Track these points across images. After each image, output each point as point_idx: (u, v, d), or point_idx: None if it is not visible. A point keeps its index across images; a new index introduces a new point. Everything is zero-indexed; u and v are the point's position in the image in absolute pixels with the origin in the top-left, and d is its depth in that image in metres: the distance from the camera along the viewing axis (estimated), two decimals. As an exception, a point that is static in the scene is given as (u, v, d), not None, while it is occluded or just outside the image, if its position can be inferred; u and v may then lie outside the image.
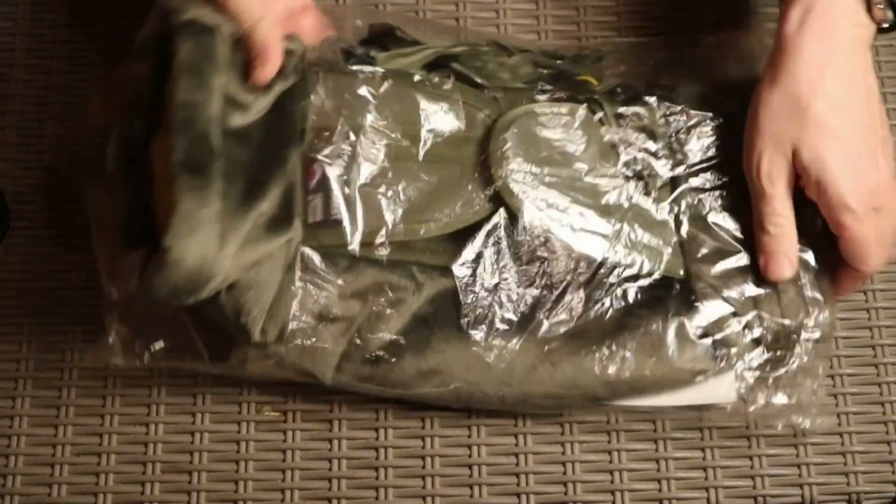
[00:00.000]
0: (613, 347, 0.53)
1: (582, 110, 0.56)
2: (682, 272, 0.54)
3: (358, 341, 0.53)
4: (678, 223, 0.56)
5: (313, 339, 0.52)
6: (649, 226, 0.55)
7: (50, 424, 0.57)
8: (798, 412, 0.54)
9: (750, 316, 0.54)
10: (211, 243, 0.48)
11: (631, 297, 0.54)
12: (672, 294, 0.54)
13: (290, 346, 0.52)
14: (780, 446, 0.57)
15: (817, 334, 0.54)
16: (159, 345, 0.54)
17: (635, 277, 0.54)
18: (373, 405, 0.57)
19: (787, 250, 0.54)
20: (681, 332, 0.54)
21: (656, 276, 0.54)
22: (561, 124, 0.56)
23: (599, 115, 0.57)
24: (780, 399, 0.54)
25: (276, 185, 0.51)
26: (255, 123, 0.52)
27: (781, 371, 0.54)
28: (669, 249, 0.55)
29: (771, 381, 0.54)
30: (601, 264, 0.54)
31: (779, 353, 0.54)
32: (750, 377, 0.54)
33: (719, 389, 0.55)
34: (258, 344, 0.52)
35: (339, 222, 0.53)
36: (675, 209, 0.56)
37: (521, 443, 0.57)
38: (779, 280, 0.54)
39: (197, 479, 0.56)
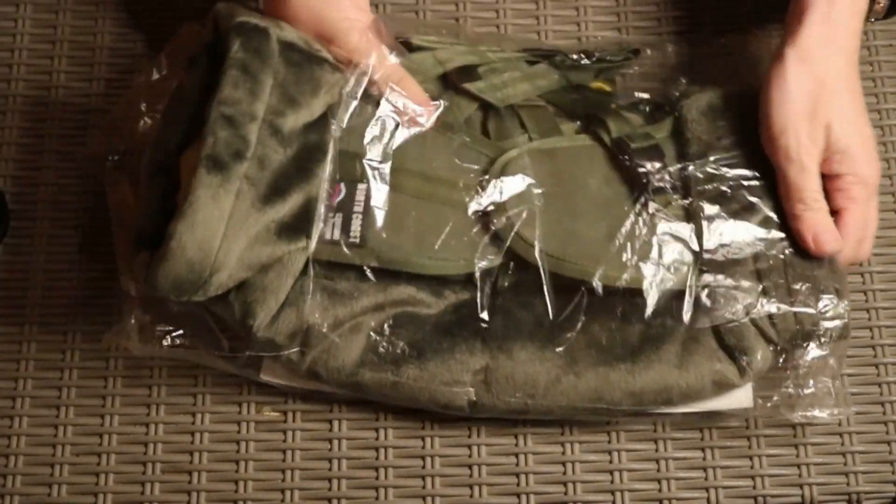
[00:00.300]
0: (638, 358, 0.53)
1: (587, 142, 0.58)
2: (696, 281, 0.54)
3: (371, 354, 0.53)
4: (698, 232, 0.55)
5: (325, 348, 0.52)
6: (666, 242, 0.55)
7: (50, 424, 0.57)
8: (815, 404, 0.54)
9: (764, 313, 0.53)
10: (214, 237, 0.48)
11: (650, 308, 0.54)
12: (685, 302, 0.54)
13: (304, 352, 0.52)
14: (780, 446, 0.57)
15: (835, 324, 0.54)
16: (178, 332, 0.54)
17: (651, 288, 0.54)
18: (373, 405, 0.57)
19: (829, 224, 0.54)
20: (703, 340, 0.54)
21: (673, 286, 0.54)
22: (567, 156, 0.57)
23: (606, 137, 0.57)
24: (797, 392, 0.54)
25: (298, 195, 0.51)
26: (300, 129, 0.52)
27: (799, 363, 0.54)
28: (687, 261, 0.55)
29: (788, 375, 0.55)
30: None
31: (796, 347, 0.54)
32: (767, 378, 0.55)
33: (738, 395, 0.55)
34: (267, 344, 0.52)
35: (356, 244, 0.53)
36: (691, 220, 0.56)
37: (521, 443, 0.57)
38: (828, 253, 0.54)
39: (197, 479, 0.56)
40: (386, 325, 0.53)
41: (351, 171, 0.54)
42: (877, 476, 0.57)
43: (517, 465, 0.56)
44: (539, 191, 0.55)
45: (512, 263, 0.55)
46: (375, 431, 0.57)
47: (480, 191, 0.55)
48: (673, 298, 0.54)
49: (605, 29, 0.65)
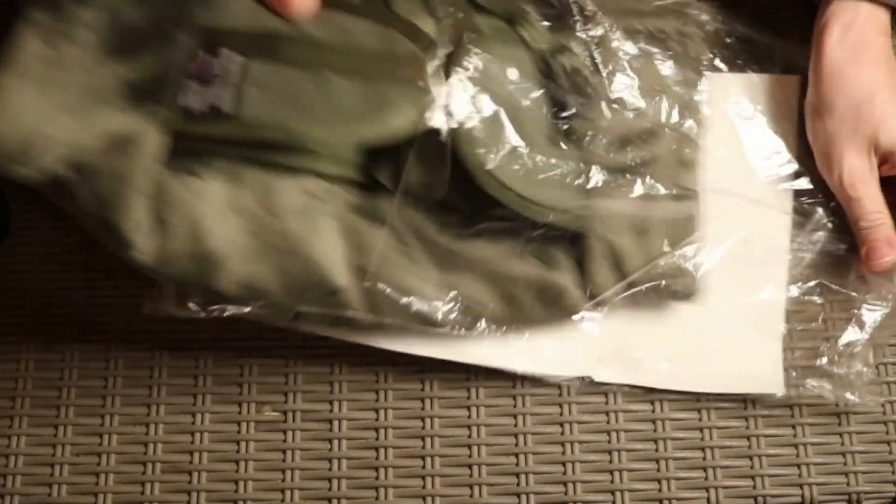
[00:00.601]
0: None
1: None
2: None
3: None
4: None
5: (196, 254, 0.47)
6: None
7: (50, 424, 0.57)
8: (845, 387, 0.55)
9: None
10: (41, 86, 0.43)
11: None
12: None
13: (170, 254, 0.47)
14: (780, 446, 0.57)
15: (880, 310, 0.54)
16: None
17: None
18: (373, 405, 0.57)
19: (887, 236, 0.55)
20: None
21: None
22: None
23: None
24: (831, 371, 0.56)
25: (155, 57, 0.46)
26: None
27: (833, 346, 0.56)
28: None
29: (823, 352, 0.56)
30: None
31: (832, 327, 0.56)
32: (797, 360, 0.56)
33: (765, 377, 0.56)
34: (132, 246, 0.46)
35: (220, 112, 0.47)
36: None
37: (521, 443, 0.57)
38: (881, 270, 0.55)
39: (197, 479, 0.56)
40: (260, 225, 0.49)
41: (221, 40, 0.48)
42: (877, 476, 0.57)
43: (517, 465, 0.56)
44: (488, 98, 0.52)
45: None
46: (375, 431, 0.57)
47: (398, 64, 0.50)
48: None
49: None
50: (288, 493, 0.56)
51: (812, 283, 0.58)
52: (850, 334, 0.56)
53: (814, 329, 0.58)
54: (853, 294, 0.56)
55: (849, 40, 0.56)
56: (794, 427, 0.57)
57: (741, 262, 0.58)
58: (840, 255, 0.58)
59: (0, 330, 0.59)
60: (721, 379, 0.57)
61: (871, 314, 0.57)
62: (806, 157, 0.59)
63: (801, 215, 0.59)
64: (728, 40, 0.62)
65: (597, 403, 0.57)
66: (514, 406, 0.57)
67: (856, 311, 0.55)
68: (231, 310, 0.51)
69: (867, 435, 0.57)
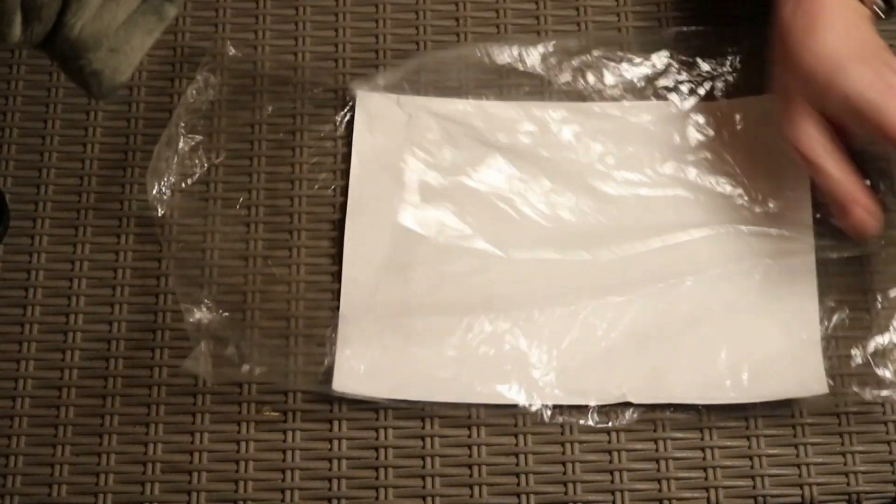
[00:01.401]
0: None
1: None
2: None
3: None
4: None
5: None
6: None
7: (50, 424, 0.57)
8: (883, 386, 0.55)
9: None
10: None
11: None
12: None
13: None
14: (781, 446, 0.57)
15: None
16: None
17: None
18: (373, 405, 0.57)
19: (855, 199, 0.54)
20: None
21: None
22: None
23: None
24: (868, 370, 0.56)
25: None
26: None
27: (871, 343, 0.56)
28: None
29: (858, 355, 0.56)
30: None
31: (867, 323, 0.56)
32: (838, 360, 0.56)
33: (809, 382, 0.56)
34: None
35: None
36: None
37: (521, 443, 0.57)
38: (862, 234, 0.55)
39: (197, 479, 0.56)
40: None
41: None
42: (877, 476, 0.56)
43: (517, 464, 0.56)
44: None
45: None
46: (375, 431, 0.57)
47: None
48: None
49: (605, 29, 0.65)
50: (288, 493, 0.56)
51: (840, 288, 0.58)
52: (884, 336, 0.56)
53: (850, 335, 0.57)
54: (878, 296, 0.57)
55: (801, 10, 0.55)
56: (794, 427, 0.57)
57: (771, 275, 0.58)
58: (862, 258, 0.59)
59: (0, 330, 0.59)
60: (764, 388, 0.56)
61: None
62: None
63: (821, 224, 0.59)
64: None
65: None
66: (515, 406, 0.57)
67: (882, 310, 0.55)
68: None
69: (867, 435, 0.57)
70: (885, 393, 0.56)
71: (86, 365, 0.58)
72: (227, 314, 0.57)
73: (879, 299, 0.58)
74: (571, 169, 0.61)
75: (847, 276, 0.59)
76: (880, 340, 0.57)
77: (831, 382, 0.56)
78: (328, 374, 0.56)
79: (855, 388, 0.56)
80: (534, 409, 0.56)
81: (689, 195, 0.60)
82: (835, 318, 0.58)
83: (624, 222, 0.60)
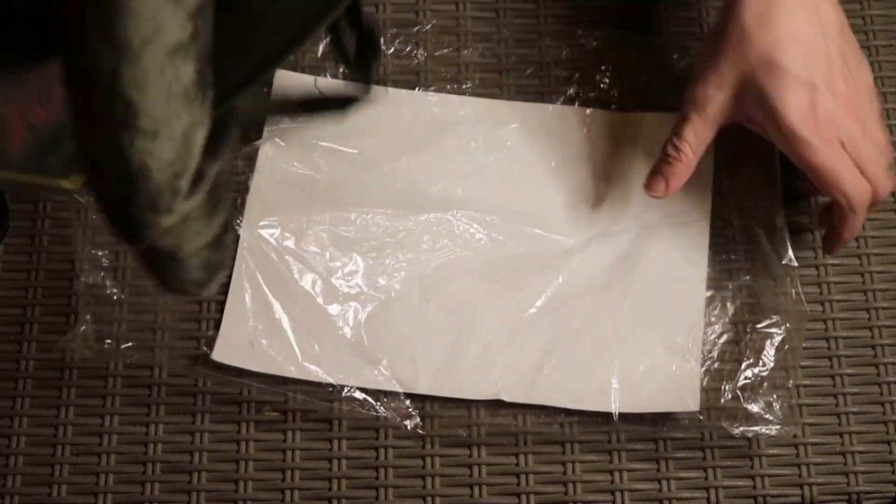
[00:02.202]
0: None
1: None
2: None
3: None
4: None
5: None
6: None
7: (50, 424, 0.57)
8: (758, 422, 0.55)
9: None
10: None
11: None
12: None
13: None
14: (780, 446, 0.57)
15: (777, 335, 0.55)
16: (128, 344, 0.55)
17: None
18: (373, 405, 0.57)
19: (673, 174, 0.55)
20: None
21: None
22: None
23: None
24: (744, 405, 0.55)
25: None
26: None
27: (747, 373, 0.56)
28: None
29: (734, 385, 0.56)
30: None
31: (743, 355, 0.56)
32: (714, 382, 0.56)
33: (683, 397, 0.56)
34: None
35: None
36: None
37: (520, 443, 0.57)
38: (652, 195, 0.56)
39: (197, 479, 0.56)
40: None
41: None
42: (877, 476, 0.57)
43: (517, 464, 0.56)
44: None
45: None
46: (375, 431, 0.57)
47: None
48: None
49: (605, 28, 0.65)
50: (288, 493, 0.56)
51: (724, 315, 0.58)
52: (753, 366, 0.56)
53: (722, 367, 0.57)
54: (748, 327, 0.57)
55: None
56: (752, 436, 0.57)
57: (663, 289, 0.58)
58: (751, 287, 0.58)
59: (0, 330, 0.59)
60: (636, 400, 0.56)
61: (771, 340, 0.56)
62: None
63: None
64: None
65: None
66: (515, 405, 0.57)
67: (752, 339, 0.55)
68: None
69: (867, 435, 0.57)
70: (753, 428, 0.55)
71: (85, 365, 0.58)
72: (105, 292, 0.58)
73: (748, 330, 0.57)
74: (460, 166, 0.61)
75: (735, 303, 0.58)
76: (748, 374, 0.56)
77: (701, 417, 0.56)
78: (199, 352, 0.57)
79: (723, 423, 0.55)
80: (402, 400, 0.56)
81: (583, 202, 0.61)
82: (716, 345, 0.57)
83: (517, 226, 0.60)
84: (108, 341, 0.56)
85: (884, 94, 0.64)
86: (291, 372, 0.56)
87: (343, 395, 0.56)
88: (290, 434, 0.57)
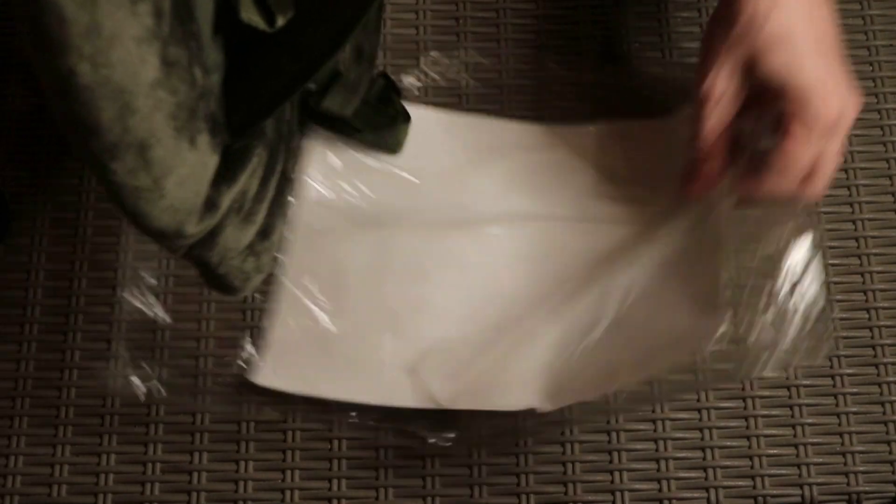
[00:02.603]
0: None
1: None
2: None
3: None
4: None
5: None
6: None
7: (50, 424, 0.57)
8: (788, 353, 0.51)
9: None
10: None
11: None
12: None
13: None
14: (780, 446, 0.57)
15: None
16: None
17: None
18: (373, 405, 0.57)
19: (704, 173, 0.52)
20: None
21: None
22: None
23: None
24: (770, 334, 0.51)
25: None
26: None
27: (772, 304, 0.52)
28: None
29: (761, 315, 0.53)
30: None
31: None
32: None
33: (708, 317, 0.53)
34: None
35: None
36: None
37: (521, 442, 0.57)
38: (691, 197, 0.54)
39: (197, 479, 0.56)
40: None
41: None
42: (877, 476, 0.57)
43: (517, 464, 0.56)
44: None
45: None
46: (375, 431, 0.57)
47: None
48: None
49: (605, 29, 0.65)
50: (288, 493, 0.56)
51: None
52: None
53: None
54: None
55: None
56: (794, 427, 0.57)
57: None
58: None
59: (0, 330, 0.59)
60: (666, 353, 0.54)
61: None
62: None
63: None
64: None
65: (597, 403, 0.57)
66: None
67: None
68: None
69: (867, 435, 0.57)
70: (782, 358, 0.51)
71: (86, 365, 0.58)
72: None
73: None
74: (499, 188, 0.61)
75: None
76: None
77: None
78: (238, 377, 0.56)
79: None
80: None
81: (630, 218, 0.60)
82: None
83: (564, 241, 0.59)
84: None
85: (884, 94, 0.64)
86: (334, 393, 0.56)
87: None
88: (289, 434, 0.57)
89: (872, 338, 0.59)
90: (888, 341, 0.59)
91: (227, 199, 0.43)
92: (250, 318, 0.59)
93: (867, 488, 0.56)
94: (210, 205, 0.42)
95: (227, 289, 0.49)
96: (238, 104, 0.43)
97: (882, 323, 0.60)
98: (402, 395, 0.55)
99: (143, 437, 0.57)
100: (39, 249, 0.61)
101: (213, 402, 0.57)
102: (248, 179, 0.45)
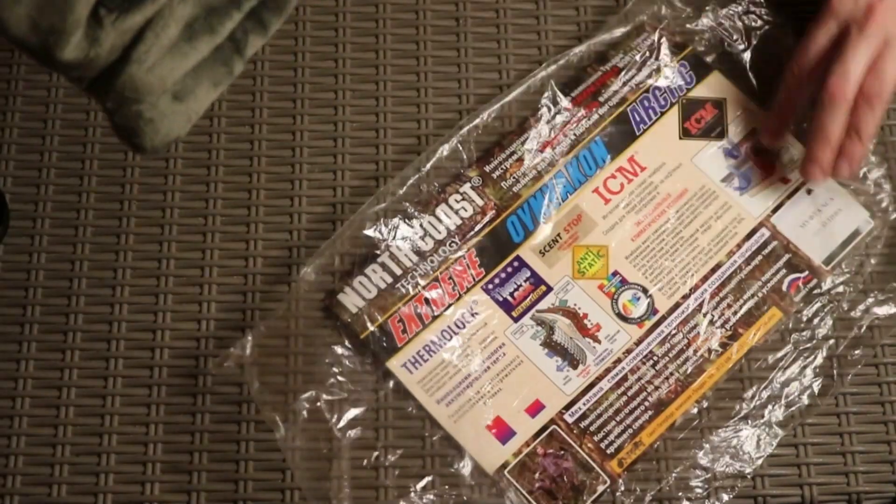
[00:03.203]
0: None
1: None
2: None
3: None
4: None
5: None
6: None
7: (50, 424, 0.57)
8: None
9: None
10: None
11: None
12: None
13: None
14: (781, 446, 0.57)
15: None
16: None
17: None
18: (373, 405, 0.57)
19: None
20: None
21: None
22: None
23: None
24: None
25: None
26: None
27: None
28: None
29: None
30: None
31: None
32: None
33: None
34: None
35: None
36: None
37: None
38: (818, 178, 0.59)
39: (197, 479, 0.56)
40: None
41: None
42: (877, 476, 0.57)
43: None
44: None
45: None
46: (375, 431, 0.57)
47: None
48: None
49: (606, 30, 0.65)
50: (288, 493, 0.56)
51: None
52: None
53: None
54: None
55: None
56: (793, 427, 0.57)
57: None
58: None
59: (0, 330, 0.59)
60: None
61: None
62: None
63: None
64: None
65: (597, 403, 0.57)
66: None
67: None
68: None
69: (867, 435, 0.57)
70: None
71: (86, 365, 0.58)
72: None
73: None
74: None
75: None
76: None
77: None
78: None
79: None
80: None
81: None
82: None
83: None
84: None
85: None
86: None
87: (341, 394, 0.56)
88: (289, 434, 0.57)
89: (872, 338, 0.59)
90: (888, 341, 0.59)
91: (116, 30, 0.37)
92: (250, 318, 0.59)
93: (867, 488, 0.56)
94: (90, 33, 0.36)
95: (149, 127, 0.41)
96: None
97: (882, 323, 0.60)
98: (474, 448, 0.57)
99: (143, 438, 0.57)
100: (39, 249, 0.61)
101: (213, 402, 0.58)
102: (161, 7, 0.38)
